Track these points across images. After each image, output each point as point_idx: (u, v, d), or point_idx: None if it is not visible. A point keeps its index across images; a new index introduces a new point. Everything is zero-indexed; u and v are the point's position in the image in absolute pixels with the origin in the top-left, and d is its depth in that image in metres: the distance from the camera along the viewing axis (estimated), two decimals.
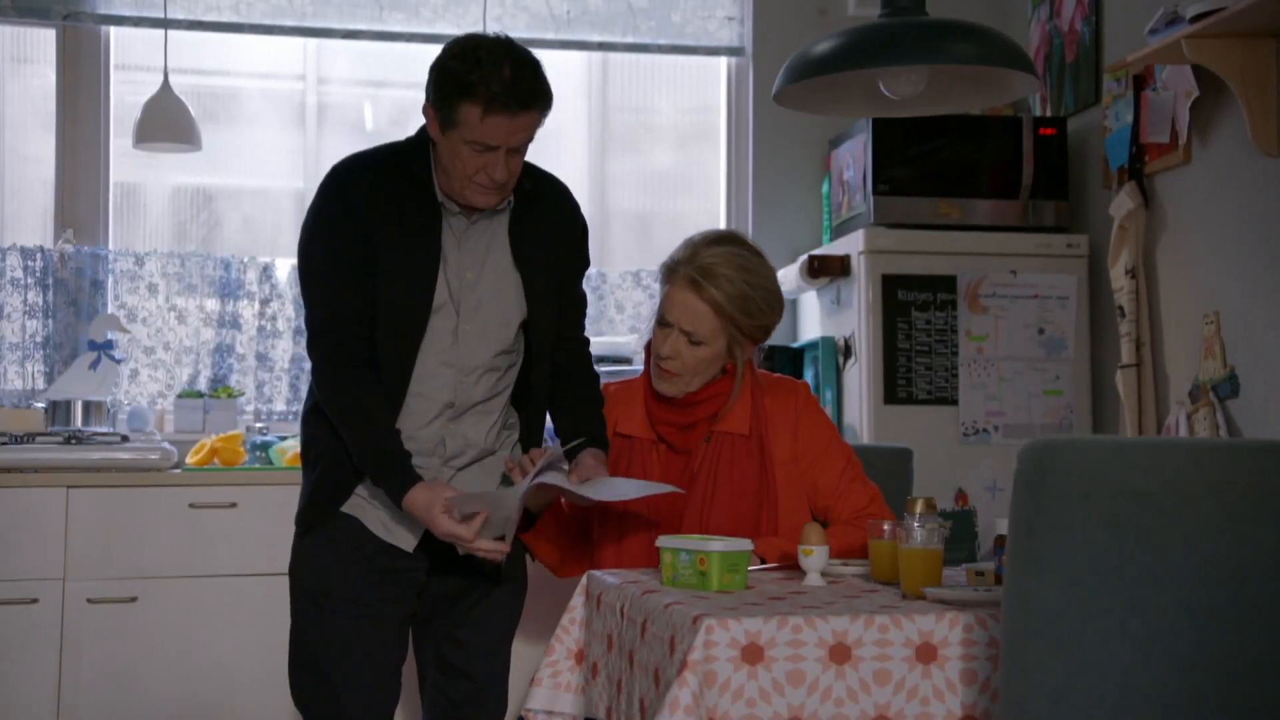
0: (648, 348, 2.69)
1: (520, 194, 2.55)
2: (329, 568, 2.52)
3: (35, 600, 3.54)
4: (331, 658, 2.51)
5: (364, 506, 2.52)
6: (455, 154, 2.40)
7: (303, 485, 2.60)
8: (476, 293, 2.51)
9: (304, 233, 2.53)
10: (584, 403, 2.68)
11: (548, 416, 2.70)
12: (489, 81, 2.34)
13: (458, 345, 2.51)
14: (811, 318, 4.31)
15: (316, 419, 2.55)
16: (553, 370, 2.65)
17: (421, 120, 2.51)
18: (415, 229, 2.47)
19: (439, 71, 2.41)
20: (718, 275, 2.55)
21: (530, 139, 2.46)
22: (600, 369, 4.14)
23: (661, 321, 2.62)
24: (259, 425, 4.09)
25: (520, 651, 3.57)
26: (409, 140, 2.55)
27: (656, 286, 4.45)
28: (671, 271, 2.61)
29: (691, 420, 2.64)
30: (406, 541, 2.52)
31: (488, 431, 2.58)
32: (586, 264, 2.73)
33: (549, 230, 2.59)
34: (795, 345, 4.33)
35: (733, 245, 2.61)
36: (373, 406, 2.46)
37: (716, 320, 2.57)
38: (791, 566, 2.52)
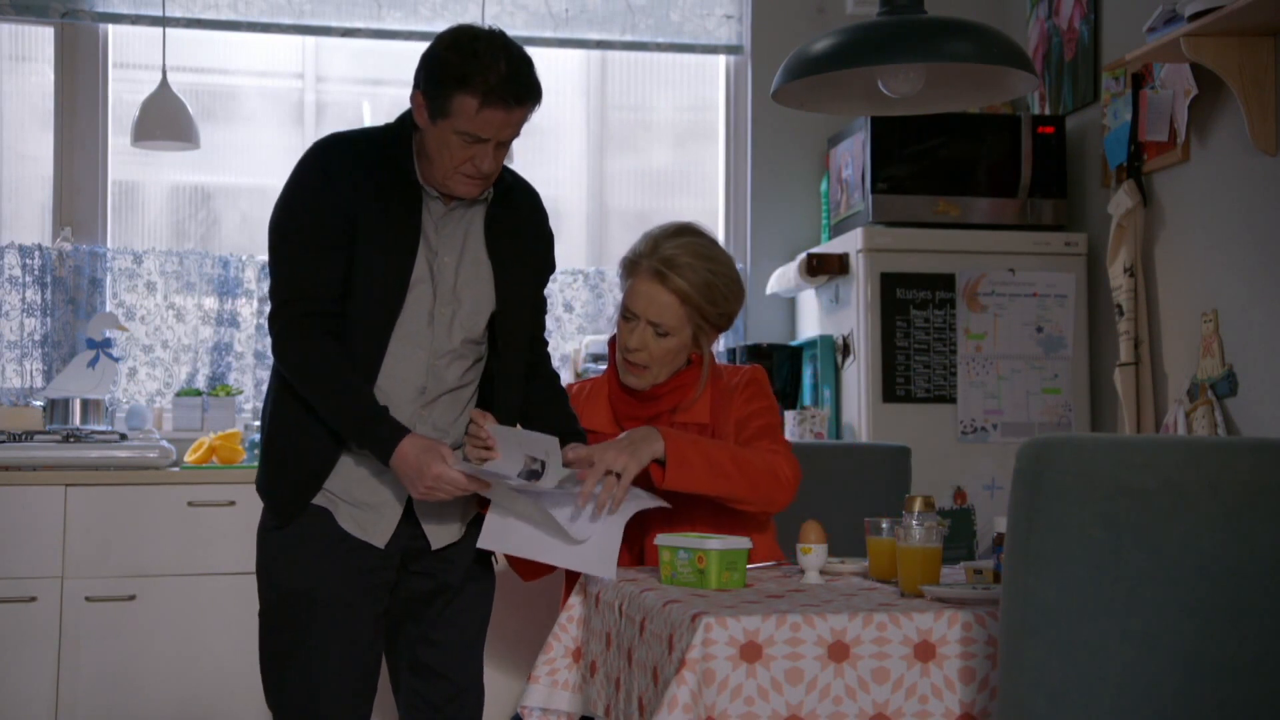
0: (612, 343, 2.72)
1: (499, 188, 2.56)
2: (304, 567, 2.50)
3: (34, 598, 3.54)
4: (308, 658, 2.49)
5: (335, 503, 2.51)
6: (443, 143, 2.41)
7: (266, 477, 2.55)
8: (453, 277, 2.51)
9: (280, 203, 2.51)
10: (554, 399, 2.69)
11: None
12: (487, 74, 2.35)
13: (432, 327, 2.50)
14: (810, 316, 4.31)
15: (282, 409, 2.52)
16: (524, 371, 2.66)
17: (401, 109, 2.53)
18: (395, 207, 2.47)
19: (433, 61, 2.41)
20: (680, 265, 2.59)
21: (518, 134, 2.47)
22: (599, 367, 4.16)
23: (626, 315, 2.64)
24: (257, 423, 4.09)
25: (513, 649, 3.58)
26: (389, 125, 2.56)
27: None
28: (633, 265, 2.64)
29: (654, 413, 2.66)
30: (379, 538, 2.51)
31: (456, 420, 2.57)
32: (552, 269, 2.74)
33: (522, 229, 2.61)
34: (794, 344, 4.33)
35: (692, 236, 2.65)
36: (346, 371, 2.43)
37: (682, 310, 2.60)
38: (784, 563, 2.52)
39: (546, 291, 2.77)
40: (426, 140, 2.45)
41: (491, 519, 2.48)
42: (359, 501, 2.50)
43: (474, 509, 2.60)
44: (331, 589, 2.49)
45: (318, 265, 2.45)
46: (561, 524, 2.39)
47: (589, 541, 2.41)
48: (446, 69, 2.37)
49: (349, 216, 2.45)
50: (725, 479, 2.46)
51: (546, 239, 2.71)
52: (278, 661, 2.53)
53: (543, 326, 2.77)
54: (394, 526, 2.52)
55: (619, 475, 2.40)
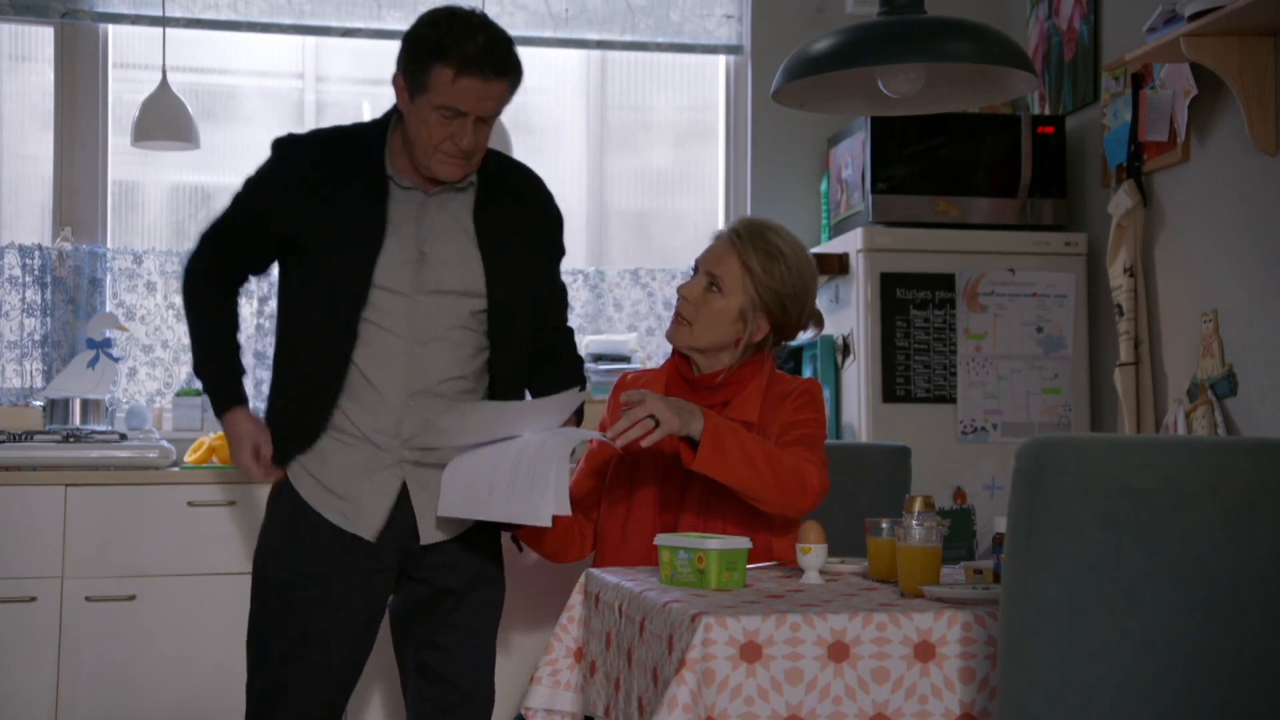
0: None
1: (485, 175, 2.56)
2: (287, 559, 2.54)
3: (33, 599, 3.54)
4: (286, 647, 2.52)
5: (326, 495, 2.52)
6: (423, 121, 2.42)
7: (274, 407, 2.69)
8: (435, 268, 2.51)
9: (243, 183, 2.64)
10: (564, 379, 2.68)
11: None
12: (463, 45, 2.36)
13: (412, 319, 2.51)
14: None
15: (274, 407, 2.62)
16: (529, 360, 2.67)
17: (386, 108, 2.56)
18: (358, 201, 2.49)
19: (411, 39, 2.44)
20: (755, 234, 2.68)
21: (498, 112, 2.47)
22: (599, 367, 4.16)
23: (694, 269, 2.73)
24: None
25: (516, 649, 3.58)
26: (370, 120, 2.60)
27: (655, 285, 4.49)
28: (719, 232, 2.75)
29: (708, 403, 2.66)
30: (368, 530, 2.52)
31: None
32: (561, 253, 2.73)
33: (517, 216, 2.60)
34: (794, 344, 4.32)
35: (785, 231, 2.74)
36: (226, 318, 2.65)
37: (741, 274, 2.64)
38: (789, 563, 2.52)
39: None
40: (408, 123, 2.46)
41: (445, 483, 2.46)
42: (348, 494, 2.51)
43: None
44: (310, 583, 2.51)
45: (234, 241, 2.62)
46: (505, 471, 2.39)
47: (535, 486, 2.36)
48: (423, 43, 2.40)
49: (288, 215, 2.51)
50: (754, 473, 2.46)
51: (550, 222, 2.69)
52: (250, 649, 2.57)
53: (562, 315, 2.76)
54: (382, 519, 2.52)
55: (656, 423, 2.41)
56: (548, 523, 2.36)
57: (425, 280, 2.50)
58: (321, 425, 2.52)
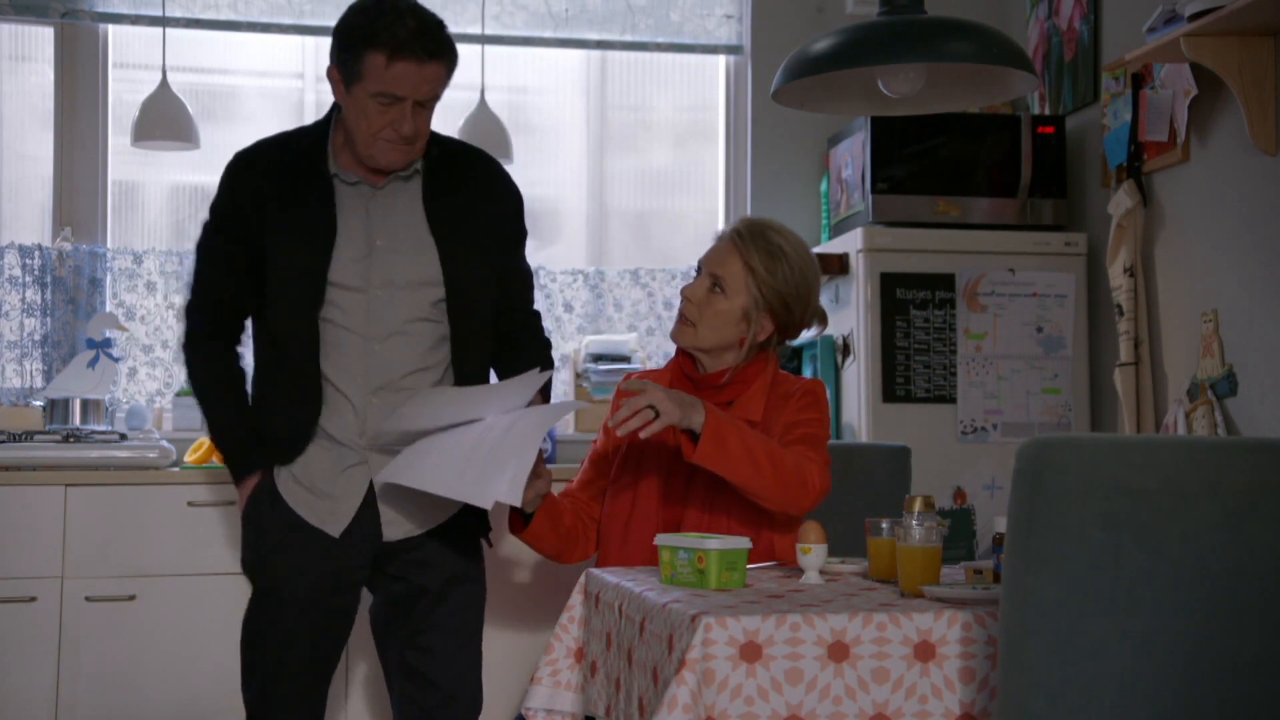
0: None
1: (429, 161, 2.55)
2: (265, 563, 2.55)
3: (33, 599, 3.54)
4: (267, 643, 2.55)
5: (299, 493, 2.53)
6: (361, 110, 2.42)
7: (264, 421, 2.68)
8: (387, 260, 2.50)
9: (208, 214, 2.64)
10: (531, 362, 2.65)
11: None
12: (394, 29, 2.36)
13: (369, 314, 2.50)
14: None
15: (263, 378, 2.62)
16: (496, 345, 2.66)
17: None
18: (306, 204, 2.49)
19: (341, 29, 2.43)
20: (756, 234, 2.69)
21: (437, 95, 2.46)
22: (599, 367, 4.16)
23: (696, 270, 2.73)
24: None
25: (515, 649, 3.58)
26: (311, 123, 2.61)
27: (655, 285, 4.49)
28: (720, 233, 2.76)
29: (712, 403, 2.66)
30: (334, 528, 2.52)
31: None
32: (523, 235, 2.71)
33: (470, 200, 2.59)
34: (794, 344, 4.32)
35: (784, 229, 2.75)
36: (231, 381, 2.60)
37: (744, 274, 2.65)
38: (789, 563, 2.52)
39: (539, 276, 2.75)
40: (347, 114, 2.46)
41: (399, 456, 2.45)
42: (319, 491, 2.52)
43: (440, 512, 2.58)
44: (285, 583, 2.53)
45: (218, 277, 2.58)
46: (467, 443, 2.37)
47: (490, 468, 2.35)
48: (354, 32, 2.40)
49: (254, 229, 2.51)
50: (755, 468, 2.46)
51: (506, 203, 2.66)
52: (246, 642, 2.61)
53: (527, 299, 2.74)
54: (349, 517, 2.52)
55: (657, 414, 2.41)
56: (488, 505, 2.37)
57: (378, 274, 2.50)
58: (299, 431, 2.53)
